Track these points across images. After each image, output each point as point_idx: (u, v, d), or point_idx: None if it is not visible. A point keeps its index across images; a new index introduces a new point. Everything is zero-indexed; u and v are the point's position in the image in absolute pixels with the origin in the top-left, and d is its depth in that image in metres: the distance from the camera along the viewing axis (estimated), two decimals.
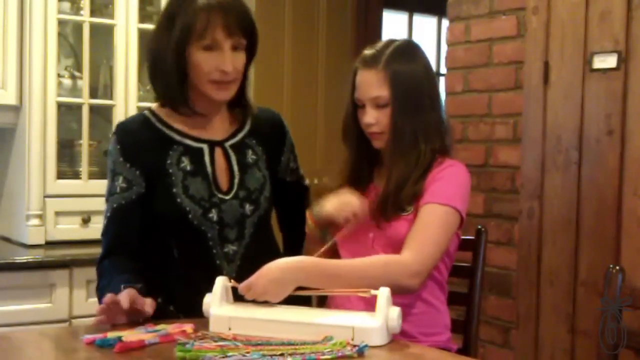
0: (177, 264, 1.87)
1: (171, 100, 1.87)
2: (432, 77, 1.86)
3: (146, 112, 1.94)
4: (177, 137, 1.88)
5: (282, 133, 2.04)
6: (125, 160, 1.85)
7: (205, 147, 1.89)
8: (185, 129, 1.90)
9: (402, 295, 1.71)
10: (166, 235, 1.87)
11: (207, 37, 1.77)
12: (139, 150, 1.86)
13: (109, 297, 1.62)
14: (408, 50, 1.84)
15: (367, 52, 1.84)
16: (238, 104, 1.95)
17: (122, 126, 1.92)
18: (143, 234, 1.87)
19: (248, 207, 1.89)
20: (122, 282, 1.70)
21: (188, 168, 1.85)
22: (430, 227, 1.74)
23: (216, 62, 1.79)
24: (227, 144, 1.92)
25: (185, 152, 1.87)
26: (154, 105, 1.95)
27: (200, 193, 1.84)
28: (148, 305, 1.66)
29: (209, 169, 1.87)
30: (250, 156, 1.94)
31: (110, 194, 1.87)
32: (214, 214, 1.84)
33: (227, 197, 1.87)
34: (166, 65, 1.81)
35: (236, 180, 1.89)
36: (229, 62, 1.79)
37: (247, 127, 1.97)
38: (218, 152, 1.90)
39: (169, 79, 1.82)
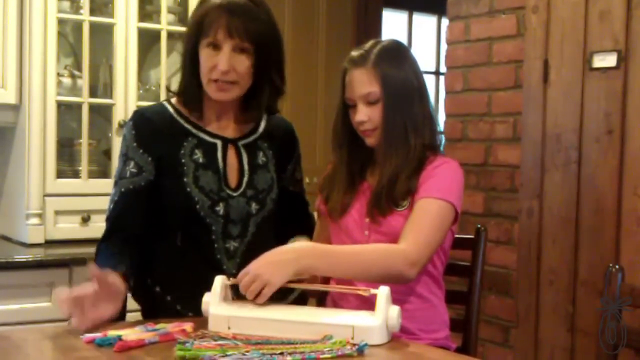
0: (179, 253, 1.88)
1: (186, 97, 1.91)
2: (419, 74, 1.90)
3: (165, 102, 1.98)
4: (193, 130, 1.92)
5: (293, 142, 2.07)
6: (138, 145, 1.88)
7: (219, 143, 1.92)
8: (201, 123, 1.93)
9: (397, 285, 1.71)
10: (171, 224, 1.89)
11: (210, 35, 1.82)
12: (154, 137, 1.89)
13: (66, 296, 1.60)
14: (395, 48, 1.88)
15: (355, 52, 1.88)
16: (249, 107, 1.96)
17: (139, 112, 1.95)
18: (148, 221, 1.89)
19: (254, 206, 1.91)
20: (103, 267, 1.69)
21: (200, 160, 1.89)
22: (426, 219, 1.76)
23: (215, 61, 1.83)
24: (240, 143, 1.95)
25: (199, 144, 1.90)
26: (173, 98, 1.98)
27: (210, 185, 1.87)
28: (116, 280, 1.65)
29: (220, 164, 1.90)
30: (261, 158, 1.97)
31: (120, 178, 1.89)
32: (220, 208, 1.87)
33: (235, 194, 1.90)
34: (185, 63, 1.90)
35: (245, 179, 1.92)
36: (226, 61, 1.82)
37: (260, 130, 2.00)
38: (231, 149, 1.93)
39: (186, 76, 1.90)
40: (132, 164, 1.87)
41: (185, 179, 1.86)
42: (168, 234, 1.89)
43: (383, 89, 1.81)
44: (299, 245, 1.72)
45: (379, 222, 1.82)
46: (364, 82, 1.82)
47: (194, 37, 1.86)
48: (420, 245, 1.72)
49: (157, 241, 1.90)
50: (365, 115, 1.82)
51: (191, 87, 1.89)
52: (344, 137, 1.90)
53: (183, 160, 1.87)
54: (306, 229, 2.02)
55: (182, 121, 1.92)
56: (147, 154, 1.87)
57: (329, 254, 1.71)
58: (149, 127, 1.89)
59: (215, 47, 1.83)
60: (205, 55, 1.84)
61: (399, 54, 1.88)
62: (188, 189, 1.85)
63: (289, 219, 2.04)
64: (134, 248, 1.87)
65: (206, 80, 1.85)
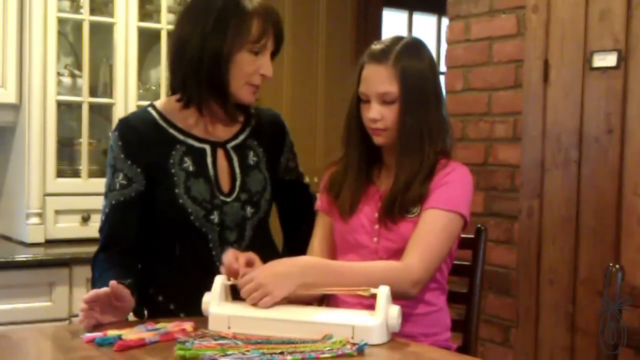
0: (178, 262, 1.88)
1: (196, 98, 1.85)
2: (437, 76, 1.85)
3: (149, 108, 1.93)
4: (180, 136, 1.89)
5: (282, 133, 2.04)
6: (126, 157, 1.85)
7: (207, 147, 1.90)
8: (187, 128, 1.90)
9: (401, 300, 1.71)
10: (167, 235, 1.88)
11: (261, 42, 1.82)
12: (141, 147, 1.86)
13: (88, 295, 1.62)
14: (416, 47, 1.83)
15: (376, 47, 1.82)
16: (241, 106, 1.95)
17: (124, 122, 1.91)
18: (144, 231, 1.88)
19: (249, 210, 1.90)
20: (111, 278, 1.69)
21: (190, 169, 1.86)
22: (434, 233, 1.74)
23: (259, 66, 1.83)
24: (229, 146, 1.93)
25: (187, 151, 1.87)
26: (157, 102, 1.95)
27: (203, 195, 1.85)
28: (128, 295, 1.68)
29: (211, 170, 1.88)
30: (252, 158, 1.94)
31: (110, 190, 1.87)
32: (215, 216, 1.85)
33: (228, 200, 1.88)
34: (208, 63, 1.80)
35: (238, 183, 1.90)
36: (270, 67, 1.85)
37: (248, 129, 1.97)
38: (220, 153, 1.91)
39: (210, 76, 1.81)
40: (121, 175, 1.85)
41: (176, 190, 1.83)
42: (166, 244, 1.88)
43: (402, 90, 1.76)
44: (305, 260, 1.71)
45: (389, 228, 1.80)
46: (382, 80, 1.77)
47: (236, 43, 1.80)
48: (425, 263, 1.71)
49: (156, 251, 1.90)
50: (379, 114, 1.77)
51: (217, 89, 1.83)
52: (355, 135, 1.85)
53: (173, 170, 1.85)
54: (310, 216, 1.97)
55: (167, 127, 1.89)
56: (135, 164, 1.85)
57: (334, 272, 1.69)
58: (135, 137, 1.86)
59: (259, 52, 1.83)
60: (248, 59, 1.82)
61: (420, 53, 1.82)
62: (180, 201, 1.83)
63: (292, 208, 2.04)
64: (132, 259, 1.87)
65: (242, 83, 1.84)
